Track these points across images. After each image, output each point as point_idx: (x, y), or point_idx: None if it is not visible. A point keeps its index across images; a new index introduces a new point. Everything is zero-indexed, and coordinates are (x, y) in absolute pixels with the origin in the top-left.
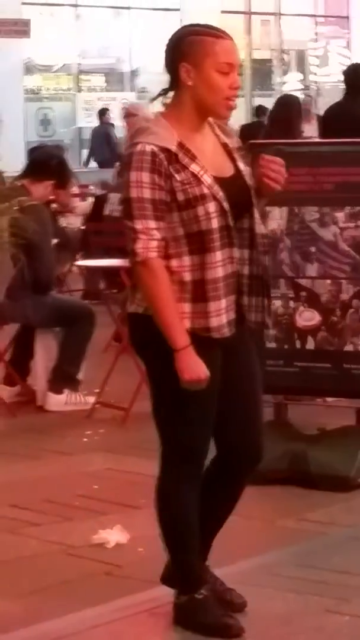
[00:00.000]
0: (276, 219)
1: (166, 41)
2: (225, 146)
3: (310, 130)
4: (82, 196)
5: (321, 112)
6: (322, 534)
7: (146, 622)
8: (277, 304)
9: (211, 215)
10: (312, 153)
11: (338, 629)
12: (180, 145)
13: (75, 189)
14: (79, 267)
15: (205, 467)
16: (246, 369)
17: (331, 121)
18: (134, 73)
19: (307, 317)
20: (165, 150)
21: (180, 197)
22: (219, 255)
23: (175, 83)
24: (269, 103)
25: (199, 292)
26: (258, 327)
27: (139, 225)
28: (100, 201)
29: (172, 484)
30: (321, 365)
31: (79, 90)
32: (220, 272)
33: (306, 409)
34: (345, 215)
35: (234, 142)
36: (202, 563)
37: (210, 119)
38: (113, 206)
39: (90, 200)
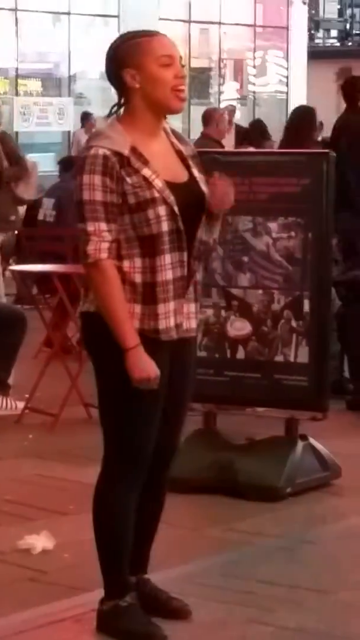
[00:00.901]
0: None
1: (104, 47)
2: (179, 153)
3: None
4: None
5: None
6: (249, 544)
7: (71, 628)
8: (208, 312)
9: (161, 219)
10: (247, 163)
11: (262, 639)
12: (133, 150)
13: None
14: (12, 271)
15: None
16: (182, 374)
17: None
18: (71, 78)
19: (238, 327)
20: (118, 154)
21: (131, 200)
22: (168, 258)
23: (123, 91)
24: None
25: (149, 294)
26: (192, 333)
27: (90, 227)
28: (34, 206)
29: (111, 485)
30: (251, 375)
31: (17, 94)
32: (170, 274)
33: (235, 418)
34: (279, 226)
35: (189, 150)
36: (139, 571)
37: (166, 126)
38: (47, 211)
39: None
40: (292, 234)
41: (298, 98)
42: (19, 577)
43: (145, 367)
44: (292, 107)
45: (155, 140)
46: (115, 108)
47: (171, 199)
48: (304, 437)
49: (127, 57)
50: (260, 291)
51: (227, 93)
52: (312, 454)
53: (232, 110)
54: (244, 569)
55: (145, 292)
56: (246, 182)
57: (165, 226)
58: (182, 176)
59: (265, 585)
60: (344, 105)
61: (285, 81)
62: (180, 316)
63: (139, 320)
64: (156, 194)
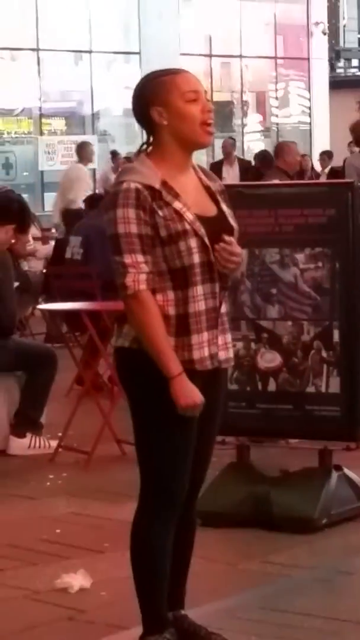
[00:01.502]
0: None
1: (127, 84)
2: (207, 189)
3: (231, 172)
4: (44, 240)
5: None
6: (285, 577)
7: None
8: (238, 345)
9: (193, 251)
10: (272, 195)
11: None
12: (164, 184)
13: (37, 233)
14: (41, 310)
15: None
16: (213, 408)
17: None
18: (95, 116)
19: (269, 359)
20: (149, 188)
21: (163, 232)
22: (200, 290)
23: (151, 129)
24: None
25: (183, 326)
26: (226, 364)
27: (128, 259)
28: (61, 244)
29: (149, 520)
30: (283, 406)
31: (41, 134)
32: (202, 305)
33: (269, 450)
34: (305, 257)
35: (216, 186)
36: (176, 606)
37: (194, 163)
38: (74, 249)
39: (52, 243)
40: (320, 264)
41: (321, 128)
42: (58, 616)
43: (191, 393)
44: (315, 137)
45: (185, 175)
46: (144, 146)
47: (202, 231)
48: (338, 468)
49: (153, 95)
50: (289, 322)
51: (250, 125)
52: (346, 484)
53: (231, 143)
54: (282, 602)
55: (179, 324)
56: (272, 214)
57: (196, 258)
58: (211, 210)
59: (303, 617)
60: None
61: (308, 112)
62: (215, 347)
63: (174, 351)
64: (187, 226)
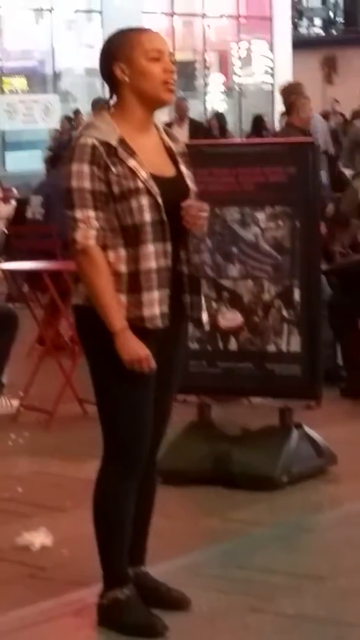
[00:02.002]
0: None
1: (88, 43)
2: (169, 149)
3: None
4: (5, 199)
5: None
6: (246, 534)
7: (71, 623)
8: None
9: (144, 209)
10: (233, 153)
11: (262, 627)
12: (121, 141)
13: None
14: (2, 270)
15: None
16: (171, 365)
17: None
18: (56, 75)
19: (230, 318)
20: (106, 144)
21: (116, 189)
22: (151, 248)
23: (114, 86)
24: (192, 104)
25: (133, 283)
26: (196, 324)
27: (79, 214)
28: (22, 204)
29: (112, 477)
30: (244, 365)
31: (2, 92)
32: (153, 264)
33: (229, 409)
34: (266, 216)
35: (179, 147)
36: (137, 563)
37: (158, 123)
38: (35, 209)
39: (13, 203)
40: (280, 223)
41: None
42: (18, 574)
43: (135, 347)
44: (278, 97)
45: (145, 134)
46: (104, 101)
47: (155, 190)
48: (298, 426)
49: (117, 51)
50: (250, 281)
51: (212, 85)
52: (307, 442)
53: (185, 104)
54: (242, 559)
55: (130, 281)
56: (232, 173)
57: (147, 216)
58: (169, 171)
59: (264, 573)
60: (329, 93)
61: (271, 72)
62: (166, 305)
63: (125, 309)
64: (140, 185)
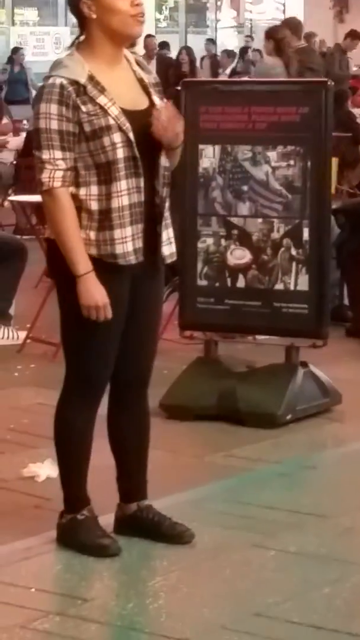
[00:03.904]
0: (209, 157)
1: None
2: (141, 81)
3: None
4: (16, 131)
5: None
6: (249, 470)
7: (75, 553)
8: (208, 241)
9: (117, 146)
10: (246, 92)
11: (263, 563)
12: (91, 78)
13: (8, 123)
14: (11, 202)
15: (108, 408)
16: (150, 301)
17: None
18: (67, 7)
19: (239, 256)
20: (75, 83)
21: (87, 128)
22: (124, 185)
23: (82, 21)
24: (202, 40)
25: (105, 220)
26: (170, 259)
27: (45, 155)
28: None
29: (68, 406)
30: (252, 303)
31: (13, 24)
32: (125, 200)
33: (236, 346)
34: (277, 155)
35: (151, 78)
36: (138, 497)
37: (129, 55)
38: None
39: (23, 135)
40: (292, 162)
41: None
42: (24, 504)
43: (94, 294)
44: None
45: (116, 68)
46: (76, 38)
47: (127, 126)
48: (304, 364)
49: None
50: (260, 220)
51: (223, 21)
52: (312, 380)
53: (151, 41)
54: (245, 495)
55: (102, 219)
56: (245, 111)
57: (120, 153)
58: (141, 104)
59: (266, 510)
60: (340, 33)
61: (282, 8)
62: (139, 241)
63: (96, 246)
64: (111, 122)
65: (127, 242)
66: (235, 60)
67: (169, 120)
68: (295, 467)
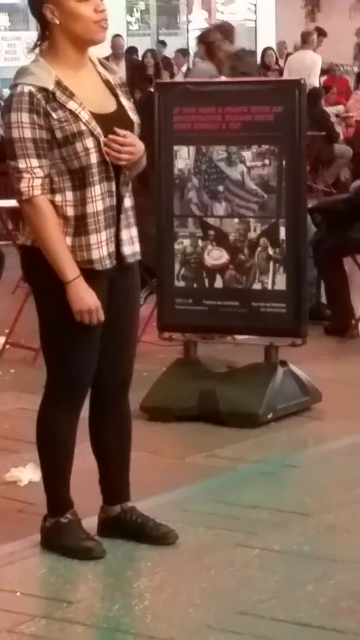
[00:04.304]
0: (184, 158)
1: None
2: (107, 83)
3: (117, 70)
4: None
5: None
6: (231, 470)
7: (59, 557)
8: (185, 242)
9: (90, 151)
10: (219, 92)
11: (248, 562)
12: (58, 84)
13: None
14: None
15: (89, 412)
16: (127, 300)
17: None
18: None
19: (216, 256)
20: (43, 90)
21: (59, 134)
22: (98, 190)
23: (44, 27)
24: (175, 42)
25: (81, 226)
26: (132, 259)
27: (22, 164)
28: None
29: (50, 410)
30: (230, 303)
31: None
32: (100, 205)
33: (215, 347)
34: (252, 154)
35: (116, 79)
36: (122, 499)
37: (93, 57)
38: None
39: None
40: (267, 162)
41: (266, 26)
42: (7, 509)
43: (86, 298)
44: (260, 34)
45: (81, 72)
46: (37, 41)
47: (98, 130)
48: (283, 363)
49: None
50: (236, 220)
51: (195, 22)
52: (292, 379)
53: (119, 40)
54: (228, 495)
55: (77, 225)
56: (219, 111)
57: (93, 158)
58: (110, 106)
59: (249, 509)
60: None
61: (254, 8)
62: (112, 245)
63: (72, 252)
64: (82, 127)
65: (102, 246)
66: (191, 59)
67: (123, 145)
68: (277, 466)
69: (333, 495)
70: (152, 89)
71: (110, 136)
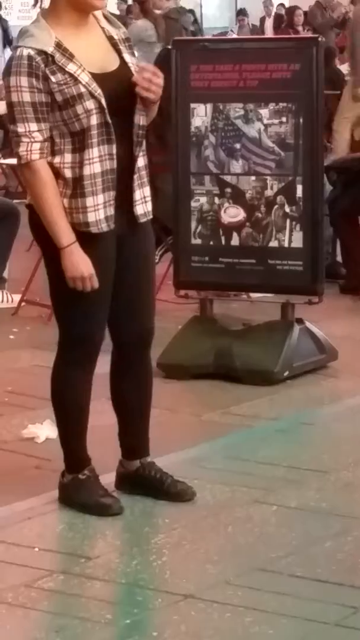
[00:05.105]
0: (201, 115)
1: None
2: (111, 39)
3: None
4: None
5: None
6: (247, 427)
7: (77, 513)
8: (202, 200)
9: (91, 113)
10: (237, 50)
11: (266, 519)
12: (58, 46)
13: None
14: (2, 165)
15: (110, 369)
16: (139, 262)
17: None
18: None
19: (232, 214)
20: (42, 53)
21: (59, 97)
22: (96, 152)
23: None
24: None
25: (78, 188)
26: (144, 218)
27: (21, 128)
28: None
29: (63, 367)
30: (246, 261)
31: None
32: (97, 168)
33: (231, 304)
34: (270, 112)
35: (120, 33)
36: (142, 454)
37: (97, 13)
38: None
39: None
40: (284, 119)
41: None
42: (25, 465)
43: (78, 266)
44: None
45: (83, 31)
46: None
47: (98, 92)
48: (300, 321)
49: None
50: (253, 177)
51: None
52: (308, 337)
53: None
54: (245, 452)
55: (75, 187)
56: (236, 69)
57: (94, 119)
58: (112, 64)
59: (266, 466)
60: None
61: None
62: (111, 208)
63: (69, 214)
64: (82, 89)
65: (99, 210)
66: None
67: (150, 78)
68: (293, 423)
69: (350, 452)
70: (169, 47)
71: (142, 65)
